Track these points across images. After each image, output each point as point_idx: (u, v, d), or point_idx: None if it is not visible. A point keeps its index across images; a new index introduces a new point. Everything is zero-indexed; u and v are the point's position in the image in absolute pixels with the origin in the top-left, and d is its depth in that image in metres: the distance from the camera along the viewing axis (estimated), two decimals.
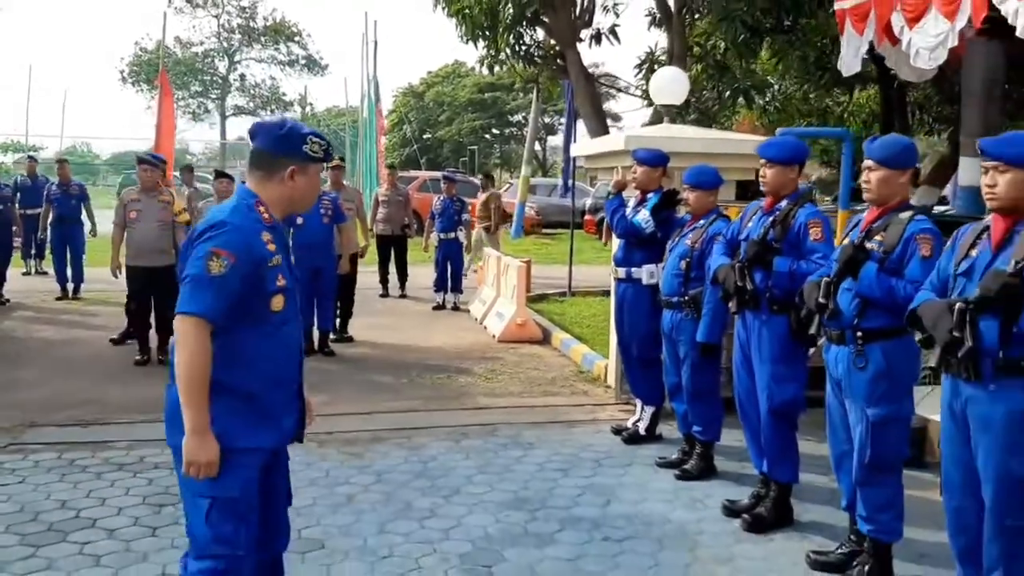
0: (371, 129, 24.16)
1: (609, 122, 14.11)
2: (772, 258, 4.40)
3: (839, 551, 4.12)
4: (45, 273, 13.64)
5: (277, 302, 2.86)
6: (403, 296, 12.44)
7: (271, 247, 2.84)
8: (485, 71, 14.34)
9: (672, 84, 7.48)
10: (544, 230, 23.86)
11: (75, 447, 5.62)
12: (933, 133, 16.16)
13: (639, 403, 6.14)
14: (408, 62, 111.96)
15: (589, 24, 12.62)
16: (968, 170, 7.70)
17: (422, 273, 12.69)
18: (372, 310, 10.95)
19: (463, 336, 9.78)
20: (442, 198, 12.02)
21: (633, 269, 5.88)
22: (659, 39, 14.84)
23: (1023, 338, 3.03)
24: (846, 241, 3.92)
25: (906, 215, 3.75)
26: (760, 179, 4.58)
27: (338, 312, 9.22)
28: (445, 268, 11.73)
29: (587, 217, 22.98)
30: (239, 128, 57.79)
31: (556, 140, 43.91)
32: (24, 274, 13.82)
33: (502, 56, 12.90)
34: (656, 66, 11.95)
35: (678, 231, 5.49)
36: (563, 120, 14.99)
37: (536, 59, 13.20)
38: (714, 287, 4.82)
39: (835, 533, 4.37)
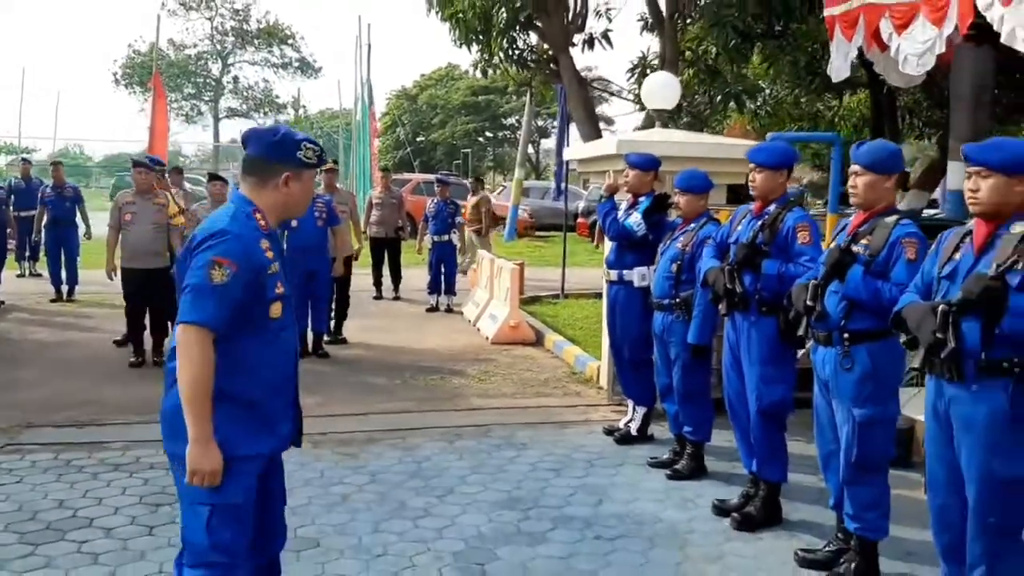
0: (364, 132, 24.14)
1: (602, 126, 14.20)
2: (761, 261, 4.47)
3: (827, 549, 4.19)
4: (39, 275, 13.65)
5: (276, 309, 2.88)
6: (397, 298, 12.48)
7: (269, 254, 2.86)
8: (479, 74, 14.42)
9: (664, 89, 7.56)
10: (537, 233, 23.93)
11: (71, 448, 5.66)
12: (923, 137, 16.26)
13: (631, 404, 6.20)
14: (401, 65, 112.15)
15: (582, 29, 12.70)
16: (956, 174, 7.77)
17: (415, 275, 12.75)
18: (366, 312, 10.99)
19: (456, 338, 9.84)
20: (436, 201, 12.08)
21: (625, 271, 5.95)
22: (651, 44, 14.89)
23: (1005, 340, 3.10)
24: (833, 244, 3.99)
25: (892, 219, 3.83)
26: (750, 183, 4.65)
27: (333, 314, 9.28)
28: (439, 270, 11.79)
29: (580, 220, 23.05)
30: (232, 130, 57.93)
31: (549, 143, 43.88)
32: (18, 276, 13.85)
33: (495, 60, 12.98)
34: (648, 70, 12.06)
35: (669, 234, 5.56)
36: (556, 123, 15.02)
37: (529, 63, 13.27)
38: (704, 289, 4.89)
39: (823, 532, 4.44)
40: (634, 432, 6.07)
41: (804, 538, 4.46)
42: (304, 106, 59.74)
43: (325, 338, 8.94)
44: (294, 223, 7.82)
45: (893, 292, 3.62)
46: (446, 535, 4.45)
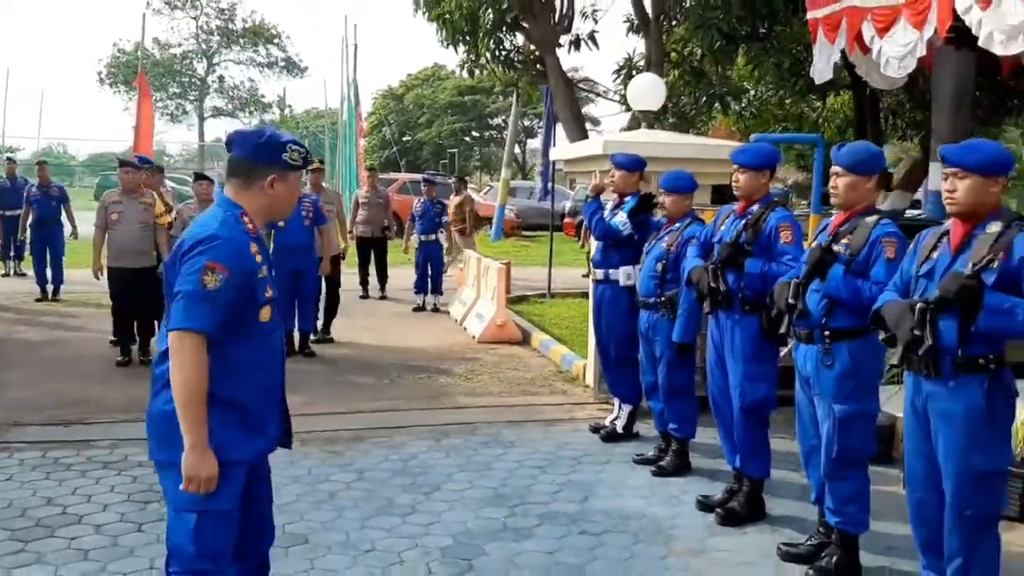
0: (351, 131, 24.15)
1: (588, 126, 14.26)
2: (744, 260, 4.54)
3: (808, 543, 4.26)
4: (24, 275, 13.60)
5: (266, 313, 2.88)
6: (383, 298, 12.50)
7: (259, 258, 2.86)
8: (465, 75, 14.45)
9: (650, 90, 7.62)
10: (524, 232, 23.98)
11: (59, 446, 5.67)
12: (906, 138, 16.38)
13: (617, 402, 6.26)
14: (388, 64, 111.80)
15: (568, 30, 12.76)
16: (938, 175, 7.82)
17: (402, 275, 12.77)
18: (352, 312, 11.01)
19: (443, 337, 9.88)
20: (422, 200, 12.11)
21: (611, 271, 6.01)
22: (637, 45, 14.95)
23: (980, 337, 3.18)
24: (815, 244, 4.06)
25: (872, 219, 3.90)
26: (733, 184, 4.72)
27: (321, 313, 9.29)
28: (425, 270, 11.82)
29: (567, 220, 23.10)
30: (217, 130, 57.70)
31: (535, 143, 43.99)
32: (3, 275, 13.80)
33: (482, 60, 13.03)
34: (634, 72, 12.13)
35: (654, 234, 5.62)
36: (542, 123, 15.07)
37: (516, 64, 13.32)
38: (689, 288, 4.96)
39: (805, 526, 4.52)
40: (620, 430, 6.13)
41: (786, 532, 4.53)
42: (290, 106, 59.70)
43: (312, 337, 8.96)
44: (281, 223, 7.84)
45: (873, 290, 3.69)
46: (433, 531, 4.49)
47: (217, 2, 55.96)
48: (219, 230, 2.79)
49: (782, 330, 4.10)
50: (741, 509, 4.69)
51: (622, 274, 5.94)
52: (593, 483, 5.25)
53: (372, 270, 12.60)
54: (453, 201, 13.45)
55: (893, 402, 5.22)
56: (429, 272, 11.80)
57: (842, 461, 3.94)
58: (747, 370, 4.60)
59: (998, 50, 5.52)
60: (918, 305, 3.24)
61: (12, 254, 13.90)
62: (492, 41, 12.59)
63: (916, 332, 3.22)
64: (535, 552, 4.28)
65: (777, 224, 4.51)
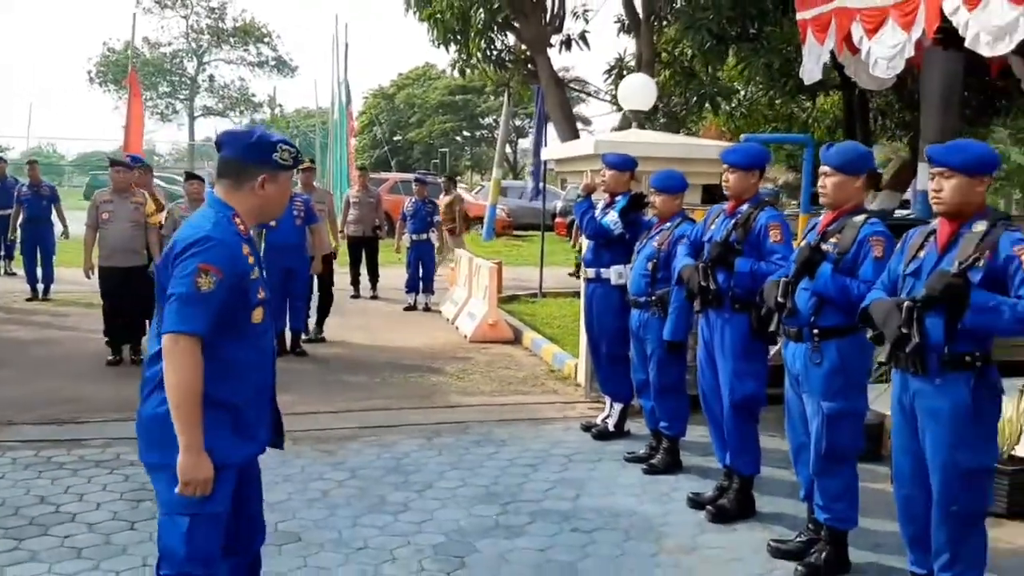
0: (341, 131, 24.15)
1: (579, 126, 14.31)
2: (734, 259, 4.57)
3: (798, 539, 4.29)
4: (14, 274, 13.56)
5: (258, 314, 2.87)
6: (374, 297, 12.51)
7: (251, 259, 2.86)
8: (456, 74, 14.45)
9: (641, 90, 7.66)
10: (515, 232, 24.02)
11: (52, 444, 5.68)
12: (895, 139, 16.45)
13: (608, 400, 6.29)
14: (379, 64, 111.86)
15: (559, 30, 12.78)
16: (926, 174, 7.90)
17: (393, 274, 12.78)
18: (344, 311, 11.00)
19: (435, 336, 9.90)
20: (413, 200, 12.12)
21: (602, 270, 6.05)
22: (628, 45, 15.02)
23: (967, 334, 3.23)
24: (803, 243, 4.10)
25: (860, 218, 3.94)
26: (723, 183, 4.76)
27: (312, 313, 9.30)
28: (417, 269, 11.83)
29: (558, 220, 23.14)
30: (207, 129, 57.62)
31: (526, 143, 43.92)
32: None
33: (473, 60, 13.04)
34: (625, 72, 12.15)
35: (645, 233, 5.66)
36: (533, 123, 15.10)
37: (507, 63, 13.34)
38: (679, 287, 4.99)
39: (795, 523, 4.55)
40: (611, 428, 6.16)
41: (776, 529, 4.57)
42: (280, 105, 59.69)
43: (304, 337, 8.97)
44: (273, 222, 7.85)
45: (861, 289, 3.73)
46: (425, 529, 4.51)
47: (207, 1, 55.87)
48: (212, 232, 2.77)
49: (771, 328, 4.15)
50: (731, 506, 4.73)
51: (613, 273, 5.97)
52: (585, 481, 5.28)
53: (363, 270, 12.60)
54: (443, 201, 13.47)
55: (881, 400, 5.26)
56: (421, 271, 11.82)
57: (831, 458, 3.98)
58: (737, 368, 4.63)
59: (984, 51, 5.57)
60: (905, 303, 3.28)
61: (3, 253, 13.85)
62: (483, 41, 12.61)
63: (903, 330, 3.26)
64: (527, 549, 4.30)
65: (766, 223, 4.55)
